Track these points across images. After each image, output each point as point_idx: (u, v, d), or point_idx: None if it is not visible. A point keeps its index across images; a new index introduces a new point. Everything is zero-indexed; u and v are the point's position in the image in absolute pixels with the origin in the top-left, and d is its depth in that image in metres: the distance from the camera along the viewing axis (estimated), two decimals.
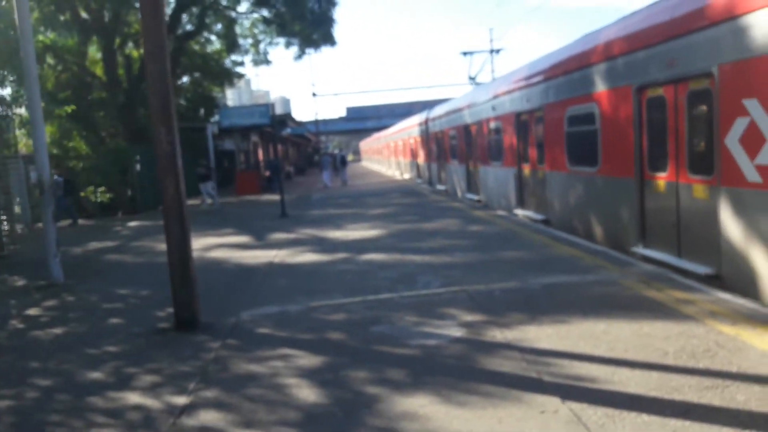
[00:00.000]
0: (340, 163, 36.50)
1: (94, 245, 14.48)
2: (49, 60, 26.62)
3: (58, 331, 6.90)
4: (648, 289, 6.63)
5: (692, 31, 7.29)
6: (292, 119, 46.97)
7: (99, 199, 23.44)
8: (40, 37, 25.41)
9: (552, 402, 4.03)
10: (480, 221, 13.31)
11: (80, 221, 21.05)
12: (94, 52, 29.10)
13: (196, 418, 4.22)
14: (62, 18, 24.15)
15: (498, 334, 5.51)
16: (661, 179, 8.33)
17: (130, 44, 29.53)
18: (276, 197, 21.58)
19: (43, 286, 9.51)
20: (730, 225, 6.80)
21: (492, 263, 8.74)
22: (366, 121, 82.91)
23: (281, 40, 30.27)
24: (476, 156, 18.67)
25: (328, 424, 3.98)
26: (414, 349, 5.32)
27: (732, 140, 6.67)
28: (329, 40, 29.13)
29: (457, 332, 5.66)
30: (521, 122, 14.07)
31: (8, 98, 15.78)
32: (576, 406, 3.94)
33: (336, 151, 52.76)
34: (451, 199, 19.55)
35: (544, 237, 10.55)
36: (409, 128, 34.22)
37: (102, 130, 27.80)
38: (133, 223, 19.50)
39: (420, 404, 4.15)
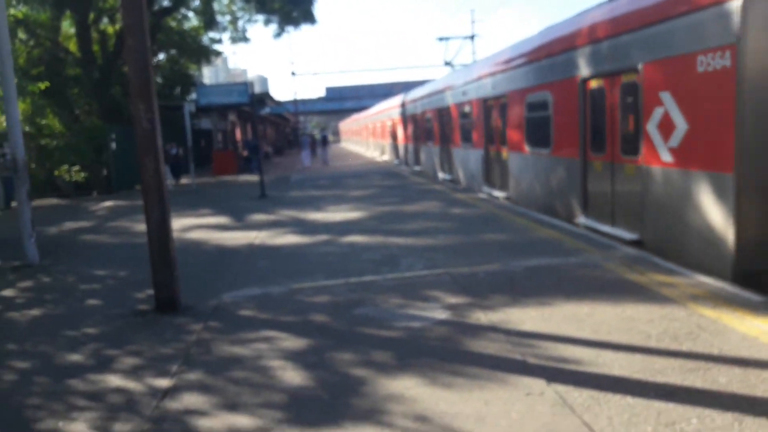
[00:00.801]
0: (321, 144, 37.41)
1: (70, 225, 14.21)
2: (21, 35, 25.86)
3: (34, 312, 6.75)
4: (630, 272, 6.69)
5: (625, 32, 8.46)
6: (271, 99, 46.41)
7: (73, 178, 22.99)
8: (12, 11, 24.67)
9: (537, 384, 4.05)
10: (461, 204, 13.32)
11: (55, 201, 20.66)
12: (67, 27, 28.34)
13: (179, 401, 4.16)
14: None
15: (482, 317, 5.52)
16: (600, 160, 9.52)
17: (105, 20, 28.80)
18: (254, 178, 21.40)
19: (17, 266, 9.31)
20: (650, 198, 8.08)
21: (475, 246, 8.75)
22: (345, 101, 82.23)
23: (260, 18, 29.79)
24: (449, 138, 19.53)
25: (315, 407, 3.95)
26: (399, 331, 5.31)
27: (652, 126, 7.91)
28: (309, 18, 28.73)
29: (442, 314, 5.66)
30: (488, 107, 15.02)
31: None
32: (561, 388, 3.96)
33: (316, 132, 53.54)
34: (430, 180, 19.52)
35: (526, 220, 10.59)
36: (387, 110, 34.77)
37: (76, 107, 27.19)
38: (108, 203, 19.17)
39: (406, 386, 4.14)
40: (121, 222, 14.21)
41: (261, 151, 31.45)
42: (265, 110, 43.08)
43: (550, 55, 10.93)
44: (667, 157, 7.66)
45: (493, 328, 5.19)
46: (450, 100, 18.96)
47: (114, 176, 23.06)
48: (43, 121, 25.96)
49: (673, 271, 6.66)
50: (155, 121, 6.39)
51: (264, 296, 6.77)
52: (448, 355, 4.66)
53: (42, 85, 18.37)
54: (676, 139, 7.47)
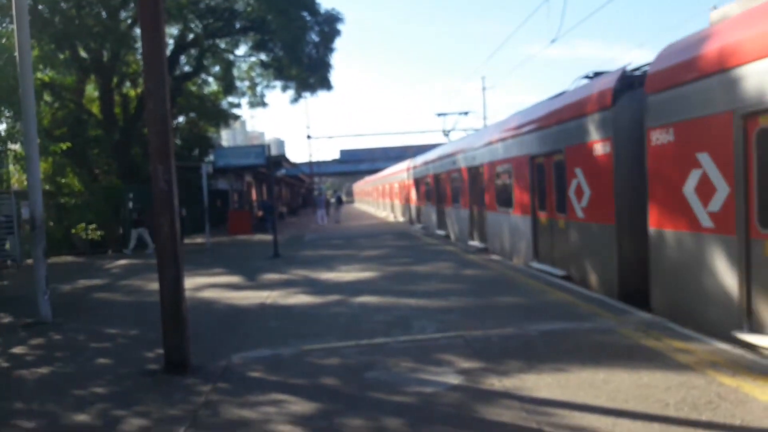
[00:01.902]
0: (336, 204, 40.29)
1: (84, 283, 14.27)
2: (47, 97, 26.75)
3: (44, 370, 6.71)
4: (646, 338, 6.57)
5: (555, 124, 11.55)
6: (287, 160, 47.22)
7: (89, 237, 23.27)
8: (39, 75, 25.63)
9: None
10: (474, 265, 13.26)
11: (70, 258, 20.85)
12: (91, 90, 29.33)
13: None
14: (62, 56, 24.36)
15: (496, 382, 5.40)
16: (544, 216, 12.53)
17: (128, 83, 29.83)
18: (268, 237, 21.51)
19: (30, 323, 9.32)
20: (572, 243, 10.98)
21: (488, 308, 8.66)
22: (359, 163, 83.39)
23: (278, 84, 30.70)
24: (443, 199, 23.09)
25: None
26: (410, 396, 5.20)
27: (571, 192, 10.85)
28: (325, 84, 29.54)
29: (455, 379, 5.55)
30: (471, 175, 18.31)
31: (3, 134, 15.78)
32: None
33: (330, 192, 56.59)
34: (442, 242, 19.53)
35: (539, 283, 10.50)
36: (395, 174, 38.51)
37: (96, 167, 27.80)
38: (123, 261, 19.30)
39: None
40: (133, 280, 14.26)
41: (276, 211, 32.35)
42: (281, 171, 43.76)
43: (511, 137, 14.18)
44: (580, 213, 10.60)
45: (508, 395, 5.07)
46: (442, 168, 22.85)
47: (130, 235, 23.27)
48: (63, 180, 26.57)
49: (690, 338, 6.52)
50: (172, 182, 6.51)
51: (274, 358, 6.70)
52: (462, 422, 4.54)
53: (64, 146, 18.84)
54: (584, 201, 10.41)
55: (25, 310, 10.21)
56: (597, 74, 11.16)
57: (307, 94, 33.68)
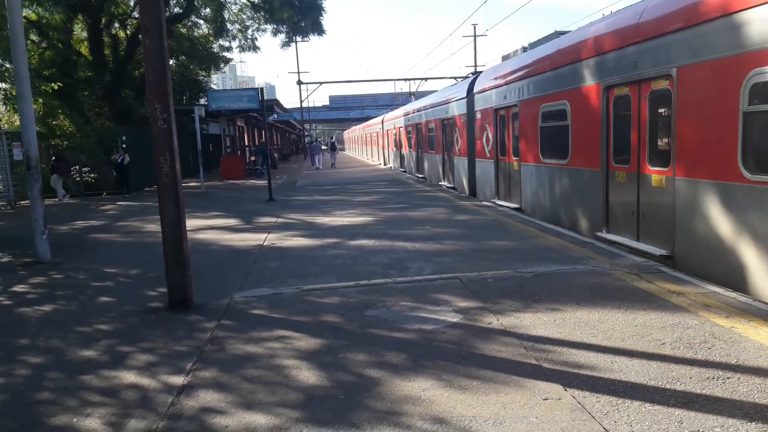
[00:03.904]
0: (331, 149, 43.01)
1: (80, 224, 14.27)
2: (33, 37, 26.03)
3: (46, 308, 6.78)
4: (639, 281, 6.69)
5: (447, 102, 19.61)
6: (279, 105, 46.56)
7: (83, 179, 23.13)
8: (25, 12, 24.85)
9: (554, 389, 4.04)
10: (466, 211, 13.34)
11: (65, 200, 20.76)
12: (80, 30, 28.54)
13: (195, 399, 4.16)
14: None
15: (494, 321, 5.52)
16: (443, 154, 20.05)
17: (117, 25, 29.03)
18: (261, 182, 21.49)
19: (29, 263, 9.35)
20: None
21: (482, 251, 8.76)
22: (349, 110, 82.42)
23: (269, 27, 29.99)
24: (421, 145, 26.05)
25: (331, 407, 3.94)
26: (411, 333, 5.31)
27: (454, 140, 19.46)
28: (317, 28, 28.89)
29: (453, 318, 5.66)
30: (444, 125, 20.99)
31: None
32: (578, 393, 3.95)
33: (327, 138, 61.04)
34: (434, 188, 19.57)
35: (531, 227, 10.60)
36: (384, 122, 39.70)
37: (87, 109, 27.33)
38: (119, 204, 19.24)
39: (422, 388, 4.14)
40: (130, 221, 14.27)
41: (270, 156, 32.70)
42: (273, 117, 43.18)
43: (432, 106, 22.41)
44: (456, 151, 19.05)
45: (506, 332, 5.19)
46: (421, 118, 25.29)
47: (125, 177, 23.15)
48: (55, 122, 26.16)
49: (682, 280, 6.64)
50: (171, 120, 6.44)
51: (275, 296, 6.79)
52: (462, 358, 4.66)
53: (54, 85, 18.48)
54: (459, 145, 18.69)
55: (23, 249, 10.25)
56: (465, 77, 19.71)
57: (298, 38, 33.10)
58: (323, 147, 47.35)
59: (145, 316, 6.25)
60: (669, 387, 3.99)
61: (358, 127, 66.64)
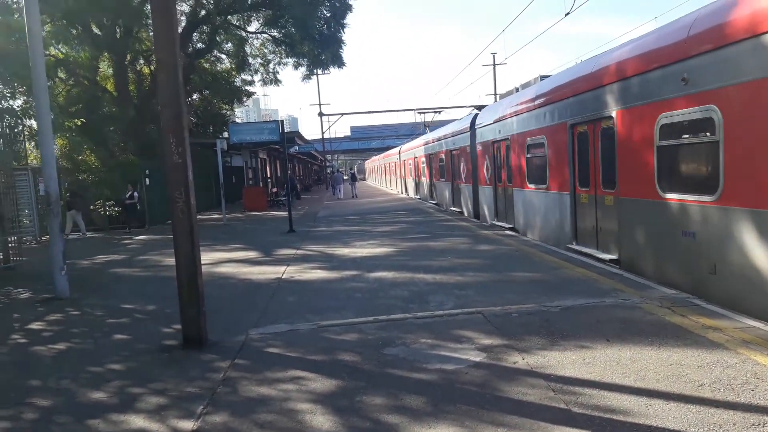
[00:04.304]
0: (351, 180, 44.64)
1: (101, 258, 14.30)
2: (61, 74, 26.72)
3: (60, 346, 6.67)
4: (672, 315, 6.37)
5: (454, 135, 22.44)
6: (300, 137, 46.99)
7: (108, 213, 23.37)
8: (52, 51, 25.54)
9: None
10: (488, 240, 13.08)
11: (88, 234, 20.94)
12: (105, 67, 29.24)
13: None
14: (74, 32, 24.23)
15: (519, 360, 5.25)
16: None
17: (141, 61, 29.69)
18: (283, 213, 21.46)
19: (47, 299, 9.32)
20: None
21: (505, 284, 8.50)
22: (370, 140, 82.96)
23: (290, 61, 30.42)
24: (433, 174, 28.37)
25: None
26: (432, 374, 5.06)
27: (473, 169, 20.16)
28: (337, 61, 29.19)
29: (476, 357, 5.41)
30: (452, 156, 23.12)
31: (18, 110, 15.74)
32: None
33: (348, 169, 63.64)
34: (456, 218, 19.36)
35: (556, 258, 10.31)
36: (401, 152, 41.77)
37: (112, 144, 27.82)
38: (141, 237, 19.35)
39: None
40: (151, 256, 14.27)
41: (297, 188, 33.36)
42: (294, 148, 43.58)
43: (444, 137, 24.47)
44: (475, 179, 19.63)
45: (532, 373, 4.92)
46: (434, 149, 27.26)
47: (148, 211, 23.36)
48: (80, 157, 26.63)
49: (718, 314, 6.32)
50: (186, 154, 6.36)
51: (292, 333, 6.60)
52: (486, 402, 4.40)
53: (78, 121, 18.80)
54: (471, 174, 19.90)
55: (43, 285, 10.23)
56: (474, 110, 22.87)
57: (318, 71, 33.47)
58: (344, 177, 47.99)
59: (159, 355, 6.10)
60: None
61: (378, 157, 68.85)
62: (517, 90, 15.62)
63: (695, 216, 7.54)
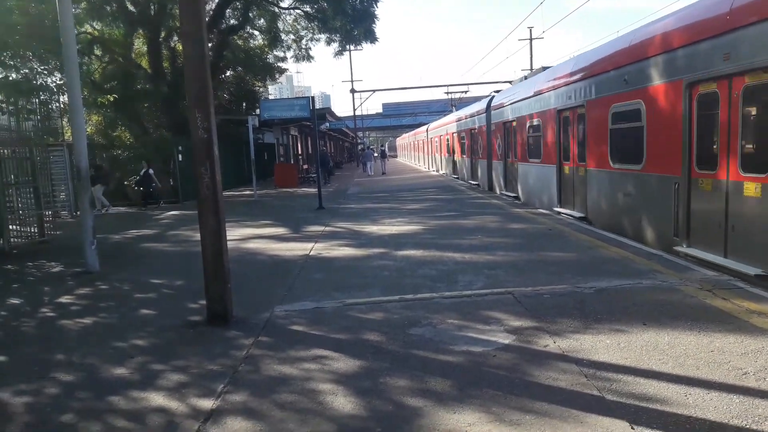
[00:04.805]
0: (381, 157, 44.40)
1: (133, 233, 14.45)
2: (97, 51, 26.96)
3: (87, 321, 6.69)
4: (713, 298, 6.06)
5: (474, 115, 24.57)
6: (331, 113, 46.82)
7: (141, 188, 23.63)
8: (88, 28, 25.76)
9: (619, 427, 3.54)
10: (520, 218, 12.78)
11: (122, 209, 21.25)
12: (140, 44, 29.40)
13: (221, 427, 3.87)
14: (108, 9, 24.34)
15: (551, 343, 5.04)
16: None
17: (175, 38, 29.76)
18: (313, 190, 21.41)
19: (78, 273, 9.41)
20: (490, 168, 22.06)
21: (537, 263, 8.25)
22: (402, 117, 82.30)
23: (323, 36, 30.09)
24: (455, 151, 31.17)
25: None
26: (458, 356, 4.89)
27: (480, 147, 24.45)
28: (370, 36, 28.74)
29: (505, 339, 5.21)
30: (472, 134, 25.68)
31: (53, 86, 15.89)
32: None
33: (379, 146, 65.08)
34: (487, 195, 19.03)
35: (591, 237, 9.98)
36: (429, 130, 43.61)
37: (146, 121, 28.07)
38: (173, 213, 19.53)
39: (468, 422, 3.72)
40: (182, 231, 14.36)
41: (329, 164, 33.60)
42: (325, 125, 43.47)
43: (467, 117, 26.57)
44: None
45: (564, 357, 4.70)
46: (461, 126, 28.68)
47: (180, 187, 23.57)
48: (114, 134, 26.96)
49: (763, 298, 5.98)
50: (212, 130, 6.24)
51: (317, 311, 6.49)
52: (515, 386, 4.21)
53: (110, 97, 18.92)
54: (485, 150, 22.71)
55: (75, 259, 10.34)
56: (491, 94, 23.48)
57: (351, 47, 33.10)
58: (375, 155, 47.98)
59: (183, 331, 6.06)
60: (756, 428, 3.44)
61: (407, 134, 69.65)
62: (525, 78, 18.93)
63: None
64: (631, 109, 10.03)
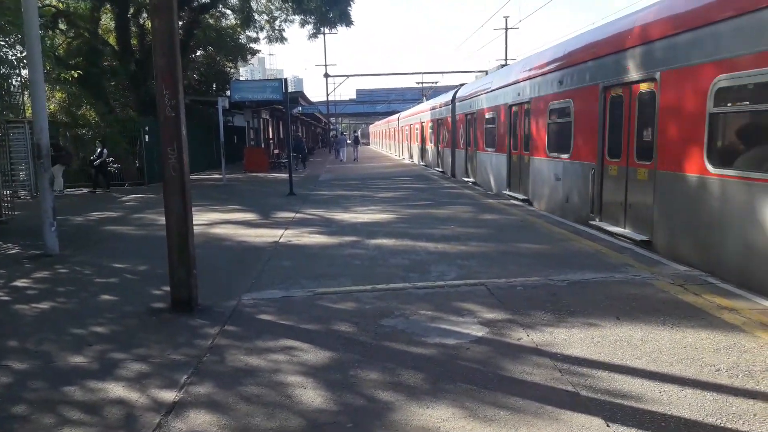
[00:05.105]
0: (354, 143, 44.44)
1: (96, 215, 14.01)
2: (61, 26, 26.02)
3: (44, 306, 6.39)
4: (685, 293, 6.07)
5: (441, 106, 26.80)
6: (305, 98, 46.26)
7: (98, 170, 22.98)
8: (53, 1, 24.83)
9: (595, 424, 3.48)
10: (492, 209, 12.75)
11: (86, 190, 20.64)
12: (108, 20, 28.50)
13: (184, 421, 3.69)
14: None
15: (524, 336, 4.97)
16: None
17: (145, 15, 28.90)
18: (284, 175, 21.09)
19: (36, 255, 9.04)
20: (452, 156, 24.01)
21: (510, 255, 8.20)
22: (376, 104, 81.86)
23: (297, 18, 29.57)
24: (425, 139, 32.51)
25: None
26: (431, 348, 4.78)
27: (453, 136, 24.97)
28: (345, 19, 28.30)
29: (479, 331, 5.13)
30: (439, 123, 27.37)
31: (14, 59, 15.24)
32: (624, 431, 3.39)
33: (352, 132, 65.00)
34: (460, 185, 19.00)
35: (564, 230, 9.99)
36: (403, 118, 44.30)
37: (112, 99, 27.26)
38: (138, 195, 19.04)
39: (441, 418, 3.61)
40: (147, 214, 13.96)
41: (304, 150, 33.38)
42: (298, 109, 42.87)
43: (433, 107, 28.50)
44: (453, 144, 23.80)
45: (538, 351, 4.63)
46: (424, 117, 31.60)
47: (146, 168, 22.99)
48: (79, 112, 26.12)
49: (733, 294, 6.02)
50: (180, 108, 5.98)
51: (286, 300, 6.32)
52: (488, 381, 4.12)
53: (75, 73, 18.26)
54: (447, 140, 25.21)
55: (33, 241, 9.95)
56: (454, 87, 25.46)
57: (326, 30, 32.60)
58: (348, 141, 47.85)
59: (146, 318, 5.82)
60: (731, 427, 3.41)
61: (380, 122, 69.38)
62: (486, 73, 20.72)
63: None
64: (564, 106, 11.72)
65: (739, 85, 6.77)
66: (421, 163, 32.92)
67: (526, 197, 14.01)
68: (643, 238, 8.68)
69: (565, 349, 4.65)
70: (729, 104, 7.04)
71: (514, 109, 15.05)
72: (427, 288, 6.59)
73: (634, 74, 8.99)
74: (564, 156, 11.64)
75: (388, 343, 4.91)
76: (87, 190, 20.83)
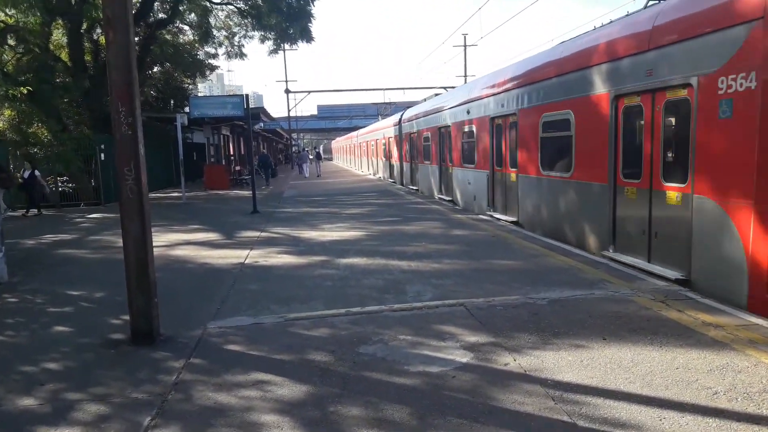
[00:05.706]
0: (316, 158, 44.08)
1: (50, 238, 13.31)
2: (11, 41, 25.05)
3: None
4: (668, 310, 5.95)
5: (392, 125, 30.33)
6: (266, 114, 45.75)
7: (60, 189, 22.10)
8: (1, 16, 23.92)
9: None
10: (462, 225, 12.58)
11: (35, 211, 19.74)
12: (59, 36, 27.61)
13: None
14: None
15: (511, 361, 4.73)
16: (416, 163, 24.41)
17: (99, 30, 28.12)
18: (246, 193, 20.60)
19: None
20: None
21: (485, 272, 8.00)
22: (337, 120, 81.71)
23: (257, 34, 29.17)
24: (379, 155, 35.63)
25: None
26: (414, 377, 4.50)
27: (400, 152, 28.83)
28: (306, 35, 28.02)
29: (463, 357, 4.87)
30: (390, 141, 30.71)
31: None
32: None
33: (310, 148, 64.36)
34: (426, 200, 18.85)
35: (536, 245, 9.86)
36: (361, 135, 46.24)
37: (65, 116, 26.31)
38: (94, 215, 18.27)
39: None
40: (105, 235, 13.33)
41: (271, 166, 32.93)
42: (259, 125, 42.32)
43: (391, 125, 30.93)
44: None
45: (527, 377, 4.39)
46: (387, 134, 31.98)
47: (103, 187, 22.18)
48: (30, 130, 25.10)
49: (715, 309, 5.92)
50: (137, 126, 5.61)
51: (255, 327, 5.95)
52: (479, 413, 3.85)
53: (24, 89, 17.49)
54: (398, 156, 28.98)
55: None
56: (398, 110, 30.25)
57: (286, 46, 32.28)
58: (310, 157, 47.44)
59: (103, 352, 5.38)
60: None
61: (342, 137, 70.06)
62: (425, 100, 24.30)
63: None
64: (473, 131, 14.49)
65: None
66: (379, 176, 35.63)
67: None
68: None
69: (555, 374, 4.43)
70: None
71: (443, 131, 18.63)
72: (404, 310, 6.32)
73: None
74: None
75: (368, 373, 4.60)
76: (21, 212, 19.42)
